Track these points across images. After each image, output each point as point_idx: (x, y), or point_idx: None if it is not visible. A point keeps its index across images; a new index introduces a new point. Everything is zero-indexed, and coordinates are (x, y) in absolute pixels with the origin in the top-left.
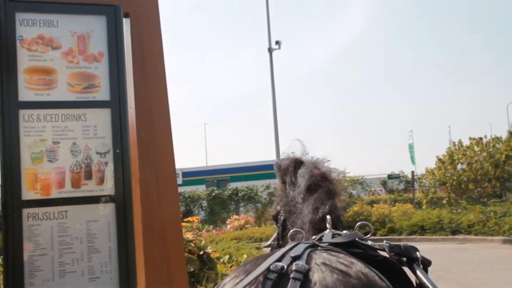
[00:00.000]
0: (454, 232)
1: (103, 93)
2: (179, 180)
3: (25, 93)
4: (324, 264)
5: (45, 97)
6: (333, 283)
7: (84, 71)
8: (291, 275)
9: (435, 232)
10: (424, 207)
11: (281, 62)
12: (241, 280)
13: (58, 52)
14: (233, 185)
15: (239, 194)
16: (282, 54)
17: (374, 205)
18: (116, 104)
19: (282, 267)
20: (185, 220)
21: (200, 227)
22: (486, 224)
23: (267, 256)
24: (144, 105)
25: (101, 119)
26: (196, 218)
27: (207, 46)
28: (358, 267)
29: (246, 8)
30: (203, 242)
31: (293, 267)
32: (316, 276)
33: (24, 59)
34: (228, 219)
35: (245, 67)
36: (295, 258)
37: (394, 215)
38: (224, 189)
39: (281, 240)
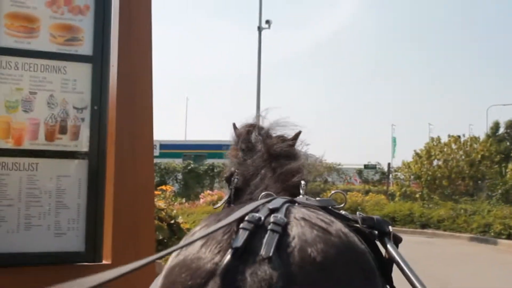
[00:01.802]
0: (424, 226)
1: (86, 47)
2: (157, 152)
3: (4, 39)
4: (303, 219)
5: (25, 45)
6: (313, 239)
7: (69, 23)
8: (269, 227)
9: (405, 225)
10: (397, 199)
11: (270, 43)
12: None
13: (42, 1)
14: (210, 161)
15: (215, 170)
16: (272, 35)
17: (348, 193)
18: (98, 60)
19: (260, 218)
20: (158, 188)
21: (173, 198)
22: (455, 221)
23: (242, 207)
24: (127, 66)
25: (82, 73)
26: (169, 187)
27: (196, 21)
28: (338, 225)
29: None
30: (174, 211)
31: (271, 219)
32: (295, 230)
33: (6, 4)
34: (202, 194)
35: (235, 45)
36: (273, 211)
37: (367, 204)
38: (200, 164)
39: (232, 203)
